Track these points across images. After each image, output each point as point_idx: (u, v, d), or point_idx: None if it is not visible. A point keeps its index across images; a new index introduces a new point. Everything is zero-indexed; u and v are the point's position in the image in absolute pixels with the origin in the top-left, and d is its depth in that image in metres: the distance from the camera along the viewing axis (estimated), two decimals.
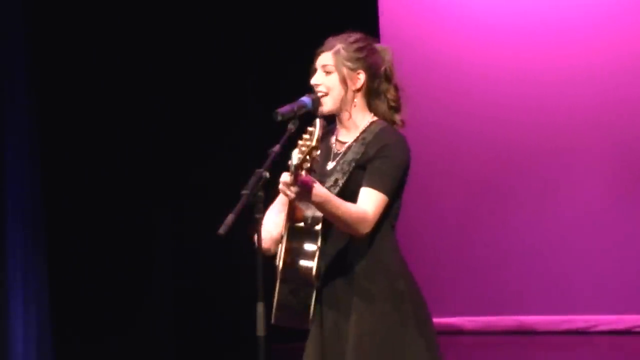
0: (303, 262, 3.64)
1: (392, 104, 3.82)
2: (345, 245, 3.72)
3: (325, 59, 3.80)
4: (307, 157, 3.40)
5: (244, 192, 3.50)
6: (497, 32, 5.83)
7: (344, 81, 3.77)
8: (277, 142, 3.70)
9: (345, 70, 3.77)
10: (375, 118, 3.81)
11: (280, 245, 3.76)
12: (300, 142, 3.41)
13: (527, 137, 5.73)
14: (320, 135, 3.43)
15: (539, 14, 5.74)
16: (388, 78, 3.83)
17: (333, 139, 3.86)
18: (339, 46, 3.79)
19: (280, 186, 3.51)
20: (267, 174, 3.53)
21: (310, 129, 3.43)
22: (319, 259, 3.64)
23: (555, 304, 5.66)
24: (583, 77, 5.62)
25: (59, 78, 6.41)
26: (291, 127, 3.69)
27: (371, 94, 3.81)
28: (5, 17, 6.25)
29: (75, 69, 6.43)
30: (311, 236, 3.65)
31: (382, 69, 3.81)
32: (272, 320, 3.71)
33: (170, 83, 6.54)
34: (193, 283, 6.59)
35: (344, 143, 3.82)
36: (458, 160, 5.87)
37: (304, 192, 3.49)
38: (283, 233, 3.71)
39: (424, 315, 3.77)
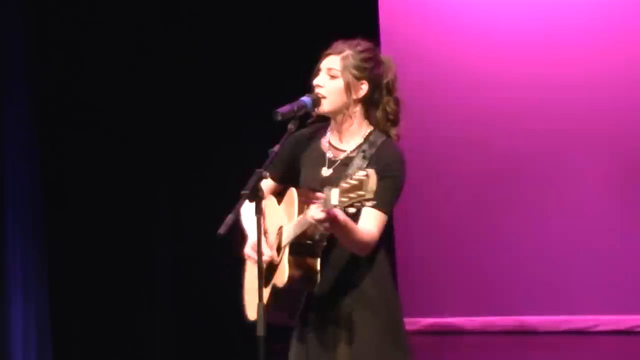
0: (306, 277, 3.65)
1: (391, 117, 3.79)
2: (346, 263, 3.72)
3: (332, 62, 3.78)
4: (355, 204, 3.31)
5: (244, 192, 3.50)
6: (496, 35, 5.83)
7: (347, 88, 3.75)
8: (277, 142, 3.71)
9: (350, 78, 3.75)
10: (371, 128, 3.79)
11: (278, 254, 3.76)
12: (344, 185, 3.30)
13: (529, 138, 5.73)
14: (374, 186, 3.29)
15: (538, 19, 5.73)
16: (389, 90, 3.80)
17: (325, 143, 3.84)
18: (348, 52, 3.76)
19: (311, 220, 3.48)
20: (267, 174, 3.53)
21: (361, 177, 3.29)
22: (320, 274, 3.66)
23: (555, 304, 5.66)
24: (582, 82, 5.61)
25: (60, 79, 6.41)
26: (291, 127, 3.69)
27: (370, 104, 3.79)
28: (5, 18, 6.25)
29: (76, 69, 6.43)
30: (314, 252, 3.66)
31: (385, 81, 3.79)
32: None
33: (171, 84, 6.54)
34: (193, 283, 6.59)
35: (341, 150, 3.80)
36: (459, 161, 5.87)
37: (333, 226, 3.49)
38: (282, 244, 3.71)
39: (402, 323, 3.80)
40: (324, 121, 3.87)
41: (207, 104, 6.54)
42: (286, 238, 3.69)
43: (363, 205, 3.34)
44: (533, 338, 5.72)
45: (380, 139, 3.74)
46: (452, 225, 5.89)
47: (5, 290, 6.19)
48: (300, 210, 3.65)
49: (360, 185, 3.28)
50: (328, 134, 3.85)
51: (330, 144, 3.83)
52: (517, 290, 5.73)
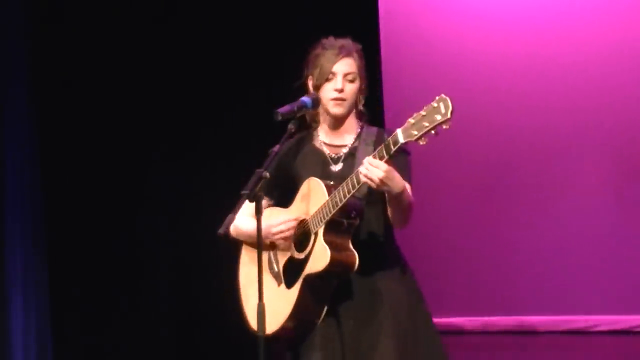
0: (346, 256, 3.66)
1: (364, 107, 3.91)
2: (375, 238, 3.77)
3: (348, 66, 3.83)
4: (432, 131, 3.34)
5: (244, 192, 3.51)
6: (496, 34, 5.82)
7: (360, 88, 3.84)
8: (277, 142, 3.71)
9: (362, 79, 3.87)
10: (358, 120, 3.90)
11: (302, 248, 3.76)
12: (411, 121, 3.38)
13: (531, 137, 5.72)
14: (451, 107, 3.34)
15: (539, 14, 5.73)
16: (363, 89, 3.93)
17: (318, 145, 3.87)
18: (356, 55, 3.84)
19: (365, 171, 3.49)
20: (267, 174, 3.53)
21: (434, 104, 3.34)
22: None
23: (555, 304, 5.65)
24: (587, 77, 5.60)
25: (59, 79, 6.41)
26: (291, 127, 3.71)
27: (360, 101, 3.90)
28: (5, 19, 6.25)
29: (75, 70, 6.43)
30: (348, 230, 3.68)
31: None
32: (277, 332, 3.73)
33: (170, 83, 6.54)
34: (194, 283, 6.59)
35: (340, 146, 3.84)
36: (460, 160, 5.86)
37: (390, 177, 3.51)
38: (314, 229, 3.69)
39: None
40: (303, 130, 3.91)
41: (209, 105, 6.54)
42: (319, 222, 3.68)
43: (437, 133, 3.35)
44: (533, 338, 5.71)
45: (372, 128, 3.85)
46: (452, 225, 5.88)
47: (5, 290, 6.19)
48: (329, 194, 3.67)
49: (437, 109, 3.33)
50: (319, 136, 3.88)
51: (325, 144, 3.87)
52: (517, 290, 5.72)
